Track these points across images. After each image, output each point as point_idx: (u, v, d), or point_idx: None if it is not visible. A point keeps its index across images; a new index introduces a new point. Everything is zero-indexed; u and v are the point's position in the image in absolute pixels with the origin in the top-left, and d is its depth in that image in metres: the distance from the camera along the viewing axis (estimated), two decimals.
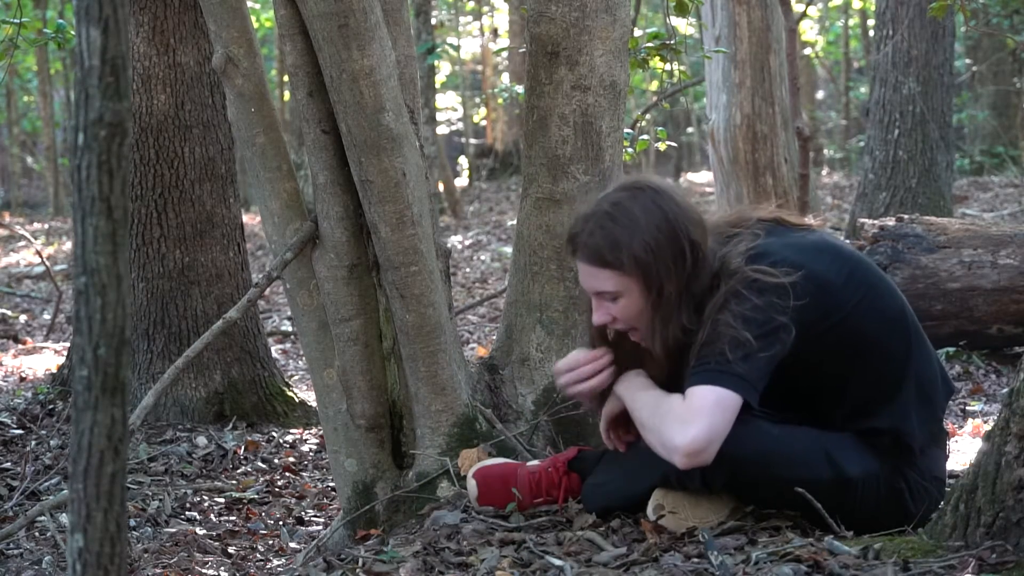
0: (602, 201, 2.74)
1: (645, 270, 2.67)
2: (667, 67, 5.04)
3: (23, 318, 9.35)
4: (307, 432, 5.25)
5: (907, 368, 2.77)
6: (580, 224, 2.75)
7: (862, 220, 6.19)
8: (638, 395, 2.76)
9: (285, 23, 3.17)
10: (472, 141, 20.60)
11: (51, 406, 5.41)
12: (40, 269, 11.07)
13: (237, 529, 4.22)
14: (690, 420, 2.57)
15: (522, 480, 3.03)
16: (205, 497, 4.50)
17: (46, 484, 4.45)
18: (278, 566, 3.84)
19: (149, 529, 4.15)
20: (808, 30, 19.50)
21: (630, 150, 5.00)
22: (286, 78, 14.05)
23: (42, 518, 3.86)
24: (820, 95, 22.48)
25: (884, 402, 2.75)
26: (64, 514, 3.95)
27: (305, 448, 5.08)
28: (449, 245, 4.78)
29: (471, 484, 3.07)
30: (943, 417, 2.88)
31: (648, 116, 10.76)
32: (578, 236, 2.73)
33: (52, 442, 4.95)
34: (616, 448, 2.92)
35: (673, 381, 2.73)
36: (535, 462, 3.10)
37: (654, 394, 2.73)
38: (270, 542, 4.10)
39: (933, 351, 2.85)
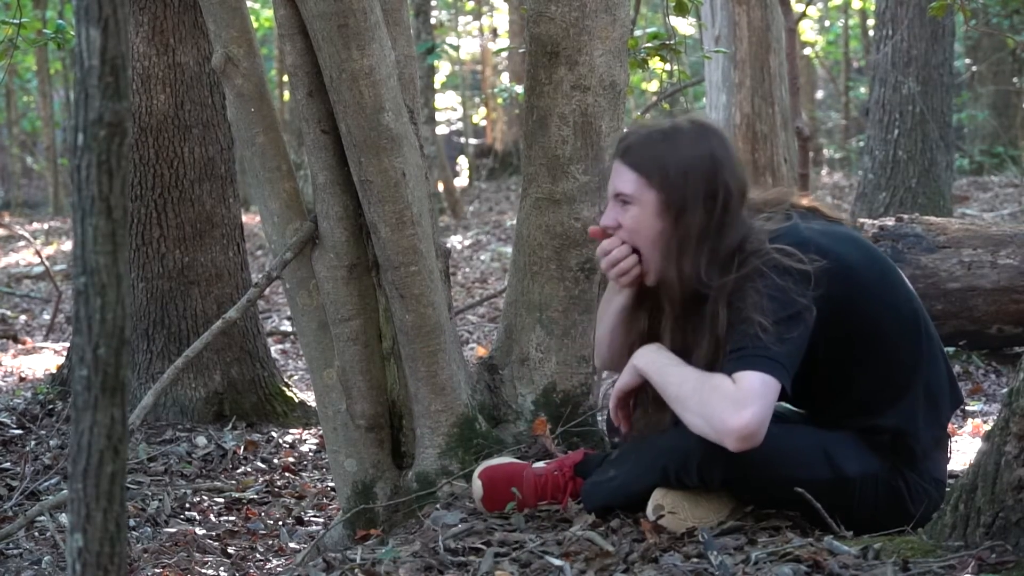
0: (666, 120, 2.82)
1: (670, 190, 2.70)
2: (667, 67, 5.04)
3: (23, 318, 9.34)
4: (307, 432, 5.25)
5: (917, 371, 2.75)
6: (636, 129, 2.86)
7: (862, 220, 6.18)
8: (670, 369, 2.69)
9: (285, 23, 3.17)
10: (472, 141, 20.57)
11: (51, 406, 5.41)
12: (40, 269, 11.06)
13: (237, 529, 4.22)
14: (743, 403, 2.53)
15: (528, 482, 3.01)
16: (205, 497, 4.49)
17: (46, 484, 4.45)
18: (278, 566, 3.84)
19: (149, 529, 4.15)
20: (808, 30, 19.49)
21: None
22: (286, 78, 14.06)
23: (42, 518, 3.86)
24: (820, 95, 22.45)
25: (890, 401, 2.74)
26: (64, 514, 3.95)
27: (305, 448, 5.08)
28: (449, 245, 4.77)
29: (476, 485, 3.05)
30: (947, 425, 2.87)
31: (648, 116, 10.73)
32: (628, 136, 2.82)
33: (52, 442, 4.94)
34: (621, 426, 2.87)
35: (680, 334, 2.73)
36: (542, 464, 3.08)
37: (692, 370, 2.66)
38: (270, 542, 4.09)
39: (946, 361, 2.83)
